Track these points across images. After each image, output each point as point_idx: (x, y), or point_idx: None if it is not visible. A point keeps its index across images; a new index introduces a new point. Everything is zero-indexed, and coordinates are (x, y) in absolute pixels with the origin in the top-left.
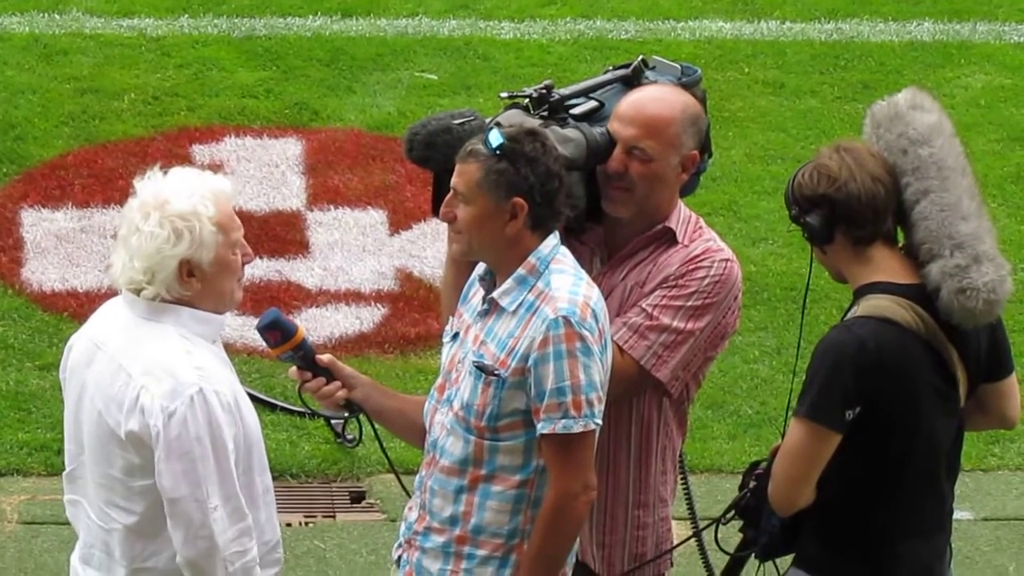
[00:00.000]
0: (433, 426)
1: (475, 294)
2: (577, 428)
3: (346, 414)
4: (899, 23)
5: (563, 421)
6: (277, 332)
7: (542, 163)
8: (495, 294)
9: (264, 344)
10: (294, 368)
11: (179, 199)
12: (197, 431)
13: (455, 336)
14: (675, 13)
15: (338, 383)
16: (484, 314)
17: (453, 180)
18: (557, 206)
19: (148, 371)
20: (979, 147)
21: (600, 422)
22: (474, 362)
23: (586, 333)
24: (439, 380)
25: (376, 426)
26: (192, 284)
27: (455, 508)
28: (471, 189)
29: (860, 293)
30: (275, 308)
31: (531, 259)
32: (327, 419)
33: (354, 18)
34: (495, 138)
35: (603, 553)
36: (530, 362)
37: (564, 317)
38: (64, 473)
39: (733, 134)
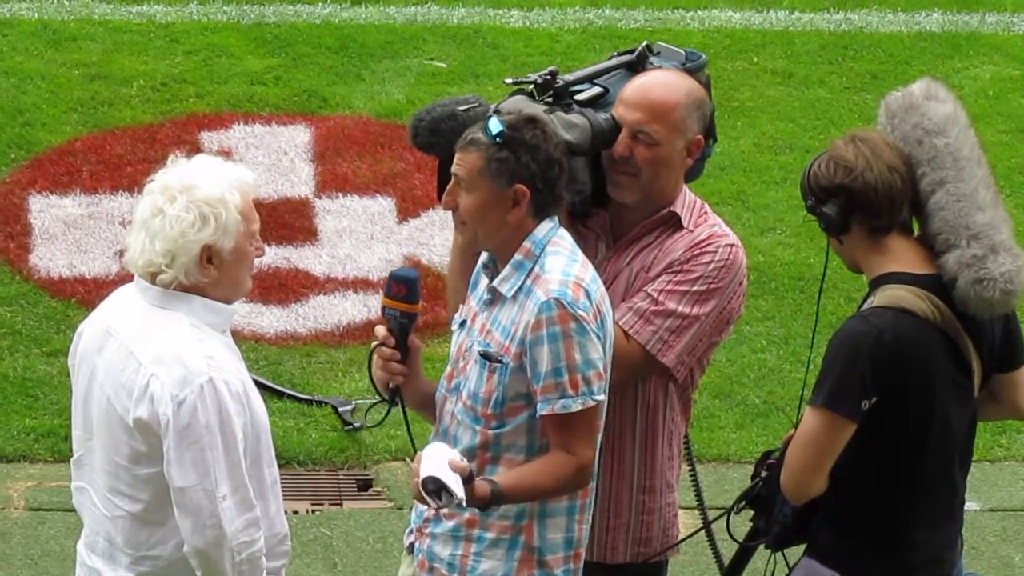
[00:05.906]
0: (444, 415)
1: (483, 282)
2: (576, 406)
3: (386, 399)
4: (908, 13)
5: (561, 401)
6: (405, 289)
7: (543, 150)
8: (495, 282)
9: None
10: (384, 328)
11: (207, 185)
12: (207, 420)
13: (462, 324)
14: (684, 2)
15: (406, 369)
16: (489, 303)
17: (454, 168)
18: (559, 192)
19: (159, 359)
20: (987, 138)
21: (600, 398)
22: (480, 351)
23: (580, 313)
24: (448, 368)
25: (406, 413)
26: (210, 271)
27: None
28: (472, 177)
29: (876, 283)
30: (417, 272)
31: (526, 243)
32: (334, 407)
33: (363, 5)
34: (495, 126)
35: (606, 538)
36: (525, 344)
37: (556, 299)
38: (72, 459)
39: (742, 124)
